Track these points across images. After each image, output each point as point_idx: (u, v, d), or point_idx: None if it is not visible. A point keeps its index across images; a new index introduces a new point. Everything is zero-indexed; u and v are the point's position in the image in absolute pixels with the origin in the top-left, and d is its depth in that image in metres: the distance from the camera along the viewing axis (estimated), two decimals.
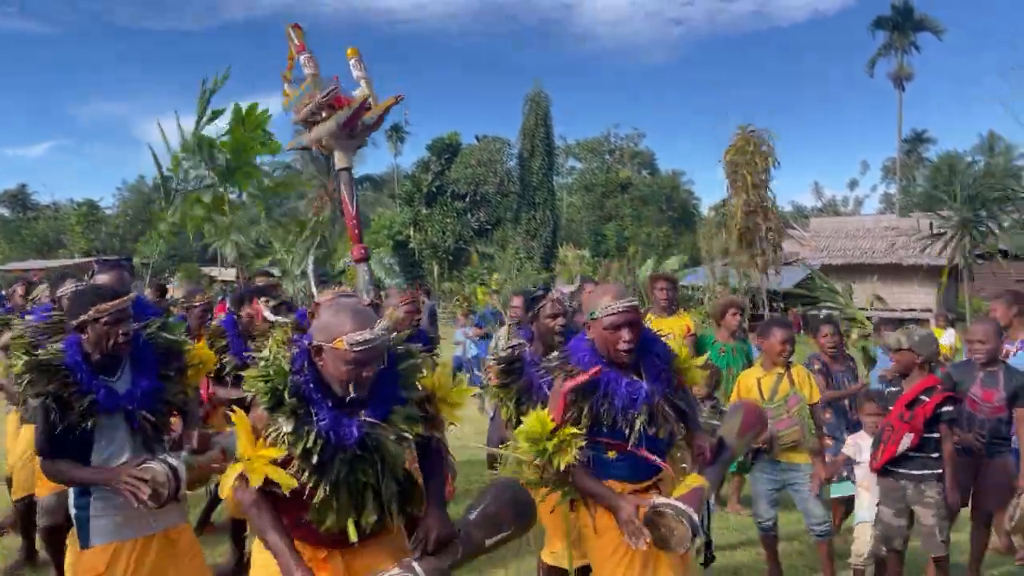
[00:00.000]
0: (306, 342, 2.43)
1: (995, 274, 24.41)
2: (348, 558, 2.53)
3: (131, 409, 3.09)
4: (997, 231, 24.20)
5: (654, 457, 3.05)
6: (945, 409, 4.20)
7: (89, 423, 2.98)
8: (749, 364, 6.34)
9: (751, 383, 4.84)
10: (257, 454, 2.34)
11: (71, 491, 3.18)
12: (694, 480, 3.07)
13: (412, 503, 2.61)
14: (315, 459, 2.31)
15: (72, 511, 3.17)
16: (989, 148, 46.71)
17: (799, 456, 4.69)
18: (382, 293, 5.90)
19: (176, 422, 3.33)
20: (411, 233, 36.35)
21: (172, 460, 2.97)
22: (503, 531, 2.60)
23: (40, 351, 3.04)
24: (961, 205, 15.62)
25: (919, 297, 28.67)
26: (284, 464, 2.36)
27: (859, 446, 4.78)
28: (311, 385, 2.37)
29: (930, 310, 27.16)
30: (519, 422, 4.03)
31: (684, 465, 3.30)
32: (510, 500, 2.67)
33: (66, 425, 2.96)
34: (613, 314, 3.00)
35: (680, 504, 2.90)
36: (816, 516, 4.64)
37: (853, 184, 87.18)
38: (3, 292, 6.43)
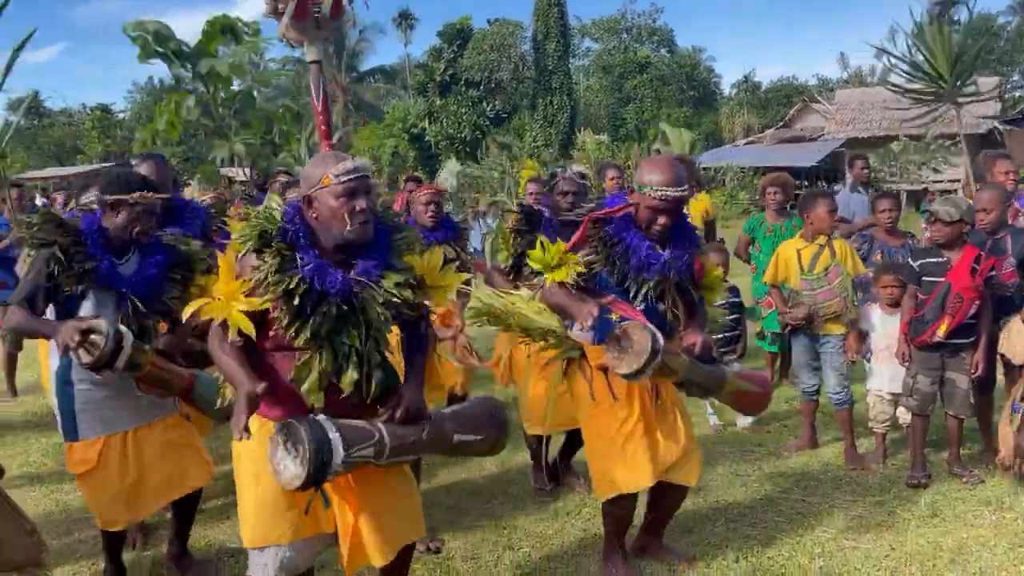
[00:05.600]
0: (297, 201, 2.46)
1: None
2: None
3: (125, 292, 3.07)
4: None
5: (651, 326, 2.96)
6: (993, 273, 4.25)
7: (80, 287, 2.98)
8: None
9: (790, 254, 4.83)
10: (230, 293, 2.35)
11: (52, 385, 3.21)
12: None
13: (392, 387, 2.55)
14: (296, 301, 2.32)
15: (54, 404, 3.20)
16: (1023, 7, 44.50)
17: (835, 327, 4.71)
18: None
19: (163, 327, 3.27)
20: (426, 125, 35.79)
21: (122, 327, 2.91)
22: (474, 434, 2.60)
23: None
24: (941, 73, 14.52)
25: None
26: (266, 313, 2.37)
27: (869, 317, 4.79)
28: (300, 234, 2.39)
29: (957, 180, 26.57)
30: (512, 271, 4.12)
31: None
32: (487, 410, 2.70)
33: (57, 283, 2.96)
34: (660, 199, 2.99)
35: (647, 322, 2.91)
36: (832, 385, 4.74)
37: (881, 53, 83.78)
38: (38, 201, 6.48)
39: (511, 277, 4.11)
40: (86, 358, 2.81)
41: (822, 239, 4.75)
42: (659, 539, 3.59)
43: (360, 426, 2.37)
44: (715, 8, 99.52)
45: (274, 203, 2.49)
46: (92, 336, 2.80)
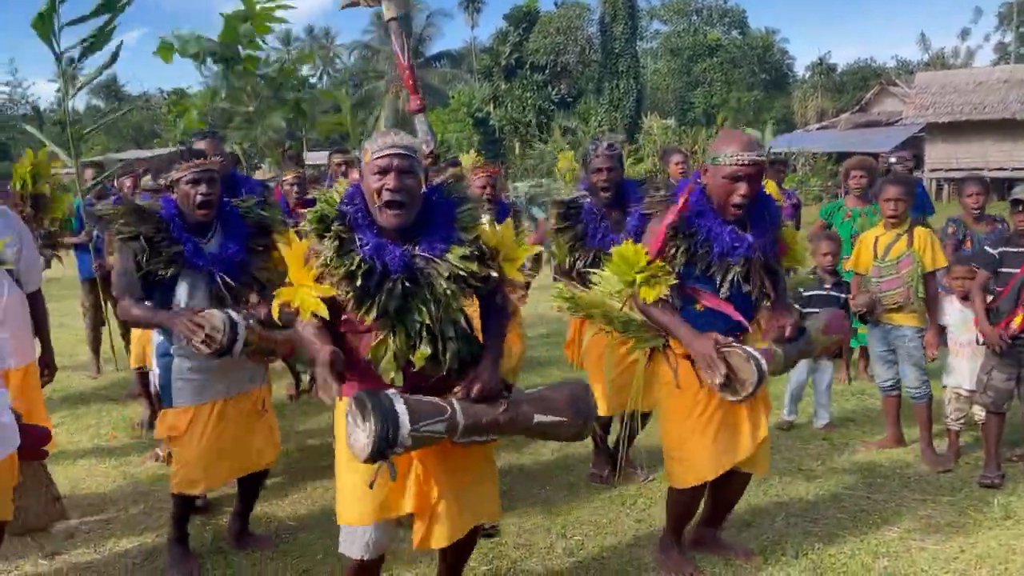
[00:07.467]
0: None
1: None
2: None
3: (214, 270, 3.18)
4: None
5: (739, 316, 3.00)
6: None
7: (170, 271, 3.08)
8: None
9: (869, 240, 4.71)
10: (301, 279, 2.39)
11: (153, 356, 3.36)
12: (767, 344, 3.08)
13: (471, 359, 2.53)
14: (359, 282, 2.32)
15: (155, 373, 3.37)
16: None
17: (903, 318, 4.55)
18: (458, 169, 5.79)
19: (255, 298, 3.37)
20: (491, 109, 35.80)
21: (234, 314, 3.01)
22: (557, 416, 2.50)
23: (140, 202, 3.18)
24: None
25: None
26: (339, 303, 2.39)
27: (946, 310, 4.61)
28: (358, 215, 2.40)
29: None
30: (571, 267, 4.05)
31: (762, 339, 3.21)
32: (570, 394, 2.59)
33: (149, 271, 3.07)
34: (737, 164, 2.88)
35: (751, 349, 2.90)
36: (910, 380, 4.56)
37: (965, 34, 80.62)
38: (114, 183, 6.61)
39: (573, 273, 4.04)
40: (206, 351, 2.95)
41: (899, 228, 4.58)
42: (717, 532, 3.52)
43: (432, 401, 2.35)
44: None
45: (334, 189, 2.51)
46: (209, 331, 2.93)
